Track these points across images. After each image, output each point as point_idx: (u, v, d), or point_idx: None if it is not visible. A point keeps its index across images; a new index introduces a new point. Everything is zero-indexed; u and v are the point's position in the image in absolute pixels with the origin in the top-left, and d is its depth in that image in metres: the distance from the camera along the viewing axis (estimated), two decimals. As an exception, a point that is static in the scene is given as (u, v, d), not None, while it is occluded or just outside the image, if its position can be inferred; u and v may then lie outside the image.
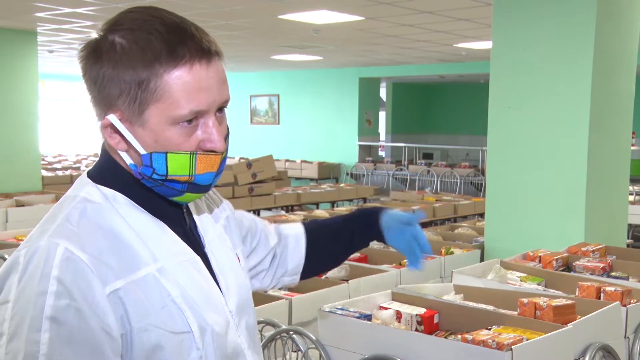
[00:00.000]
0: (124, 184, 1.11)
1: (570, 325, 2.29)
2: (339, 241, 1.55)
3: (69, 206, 1.07)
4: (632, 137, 4.95)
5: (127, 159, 1.08)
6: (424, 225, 7.09)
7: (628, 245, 5.06)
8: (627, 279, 3.23)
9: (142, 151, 1.06)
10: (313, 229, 1.57)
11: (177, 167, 1.07)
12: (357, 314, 2.47)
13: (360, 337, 2.35)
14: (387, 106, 15.71)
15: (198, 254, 1.16)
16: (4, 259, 3.94)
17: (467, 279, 3.11)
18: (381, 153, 14.99)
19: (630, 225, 6.11)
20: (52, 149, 14.77)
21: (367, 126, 13.22)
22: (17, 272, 0.98)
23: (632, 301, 2.71)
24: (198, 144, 1.08)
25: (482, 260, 4.22)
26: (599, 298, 2.76)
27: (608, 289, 2.76)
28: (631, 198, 7.35)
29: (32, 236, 1.04)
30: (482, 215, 6.80)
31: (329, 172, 12.91)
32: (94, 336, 0.97)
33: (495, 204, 4.57)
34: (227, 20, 7.17)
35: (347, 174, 12.79)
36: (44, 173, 9.29)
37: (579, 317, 2.42)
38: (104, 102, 1.07)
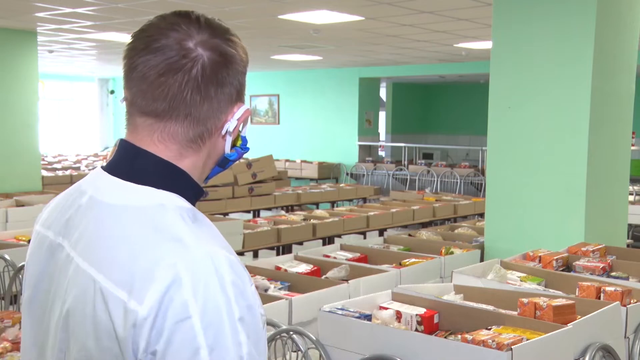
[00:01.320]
0: (181, 187, 1.13)
1: (570, 325, 2.29)
2: None
3: (167, 214, 1.06)
4: (632, 137, 4.94)
5: (227, 148, 1.18)
6: (425, 225, 7.09)
7: (628, 245, 5.06)
8: (627, 279, 3.23)
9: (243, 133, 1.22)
10: None
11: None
12: (357, 314, 2.47)
13: (360, 337, 2.35)
14: (387, 106, 15.70)
15: None
16: (4, 259, 3.93)
17: (467, 279, 3.11)
18: (381, 153, 14.98)
19: (630, 225, 6.11)
20: (52, 149, 14.77)
21: (367, 126, 13.22)
22: (184, 287, 0.98)
23: (632, 301, 2.71)
24: None
25: (482, 260, 4.23)
26: (599, 298, 2.76)
27: (608, 289, 2.76)
28: (631, 198, 7.35)
29: (164, 253, 1.01)
30: (482, 215, 6.80)
31: (329, 172, 12.91)
32: (262, 330, 1.05)
33: (495, 204, 4.57)
34: (227, 20, 7.12)
35: (347, 174, 12.79)
36: (44, 173, 9.30)
37: (579, 317, 2.42)
38: (233, 96, 1.16)
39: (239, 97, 1.17)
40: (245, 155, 1.27)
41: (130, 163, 1.12)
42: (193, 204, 1.14)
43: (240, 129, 1.21)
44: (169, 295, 0.97)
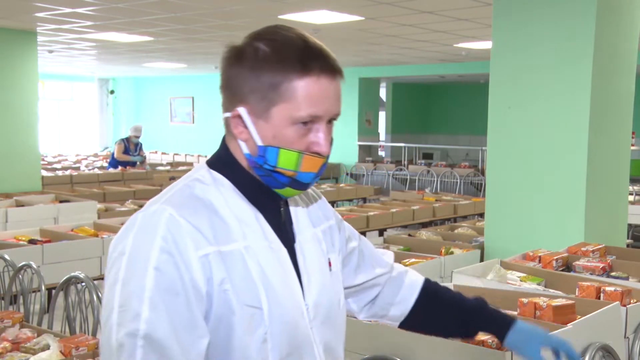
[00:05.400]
0: (233, 172, 1.30)
1: (570, 325, 2.29)
2: (452, 323, 1.64)
3: (181, 183, 1.29)
4: (632, 137, 4.95)
5: (244, 148, 1.28)
6: (425, 225, 7.09)
7: (628, 245, 5.07)
8: (627, 279, 3.23)
9: (259, 142, 1.26)
10: (434, 291, 1.70)
11: (286, 161, 1.26)
12: (357, 314, 2.47)
13: (360, 337, 2.35)
14: (387, 106, 15.70)
15: (287, 247, 1.31)
16: (4, 259, 3.94)
17: (467, 279, 3.11)
18: (381, 153, 14.97)
19: (630, 225, 6.11)
20: (52, 149, 14.77)
21: (367, 126, 13.21)
22: (133, 230, 1.20)
23: (632, 301, 2.71)
24: (307, 146, 1.28)
25: (482, 260, 4.23)
26: (599, 298, 2.76)
27: (608, 289, 2.76)
28: (631, 198, 7.35)
29: (149, 203, 1.25)
30: (482, 215, 6.80)
31: (328, 172, 12.89)
32: (186, 288, 1.16)
33: (495, 204, 4.57)
34: (227, 20, 7.18)
35: (347, 174, 12.78)
36: (44, 173, 9.30)
37: (579, 317, 2.42)
38: (236, 96, 1.26)
39: (237, 97, 1.26)
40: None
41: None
42: (241, 184, 1.29)
43: (259, 139, 1.25)
44: (127, 235, 1.20)
